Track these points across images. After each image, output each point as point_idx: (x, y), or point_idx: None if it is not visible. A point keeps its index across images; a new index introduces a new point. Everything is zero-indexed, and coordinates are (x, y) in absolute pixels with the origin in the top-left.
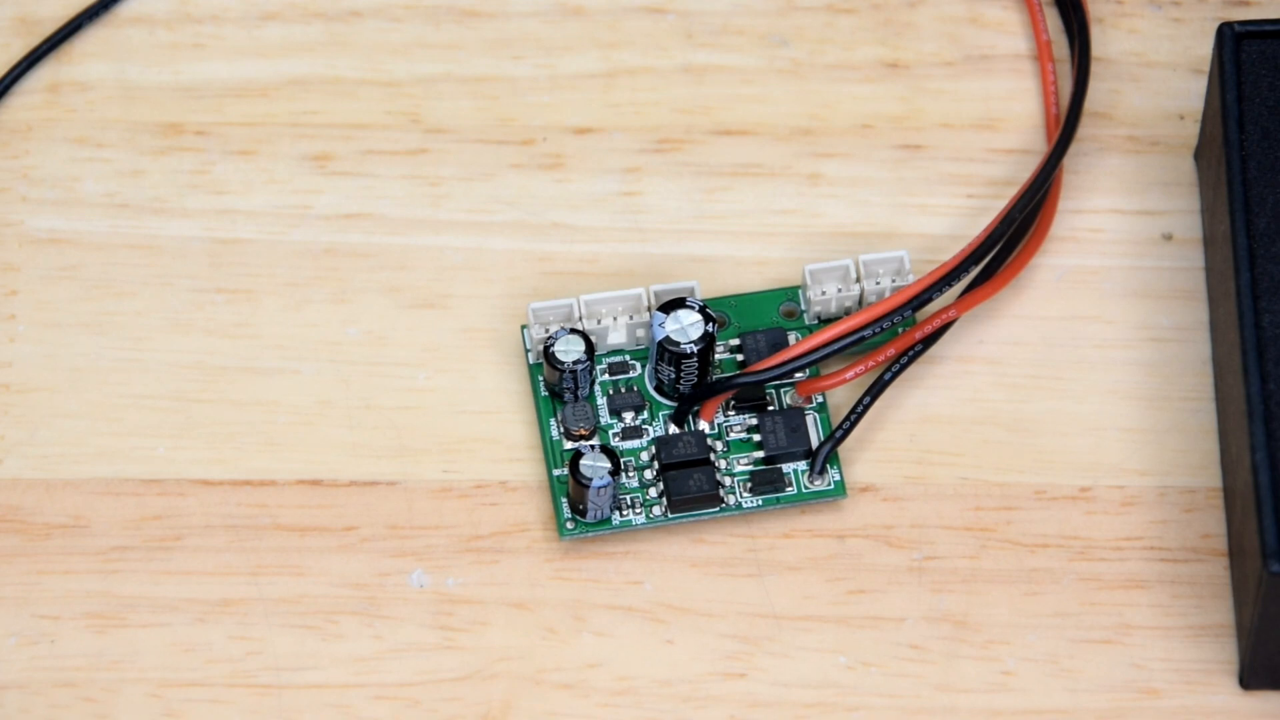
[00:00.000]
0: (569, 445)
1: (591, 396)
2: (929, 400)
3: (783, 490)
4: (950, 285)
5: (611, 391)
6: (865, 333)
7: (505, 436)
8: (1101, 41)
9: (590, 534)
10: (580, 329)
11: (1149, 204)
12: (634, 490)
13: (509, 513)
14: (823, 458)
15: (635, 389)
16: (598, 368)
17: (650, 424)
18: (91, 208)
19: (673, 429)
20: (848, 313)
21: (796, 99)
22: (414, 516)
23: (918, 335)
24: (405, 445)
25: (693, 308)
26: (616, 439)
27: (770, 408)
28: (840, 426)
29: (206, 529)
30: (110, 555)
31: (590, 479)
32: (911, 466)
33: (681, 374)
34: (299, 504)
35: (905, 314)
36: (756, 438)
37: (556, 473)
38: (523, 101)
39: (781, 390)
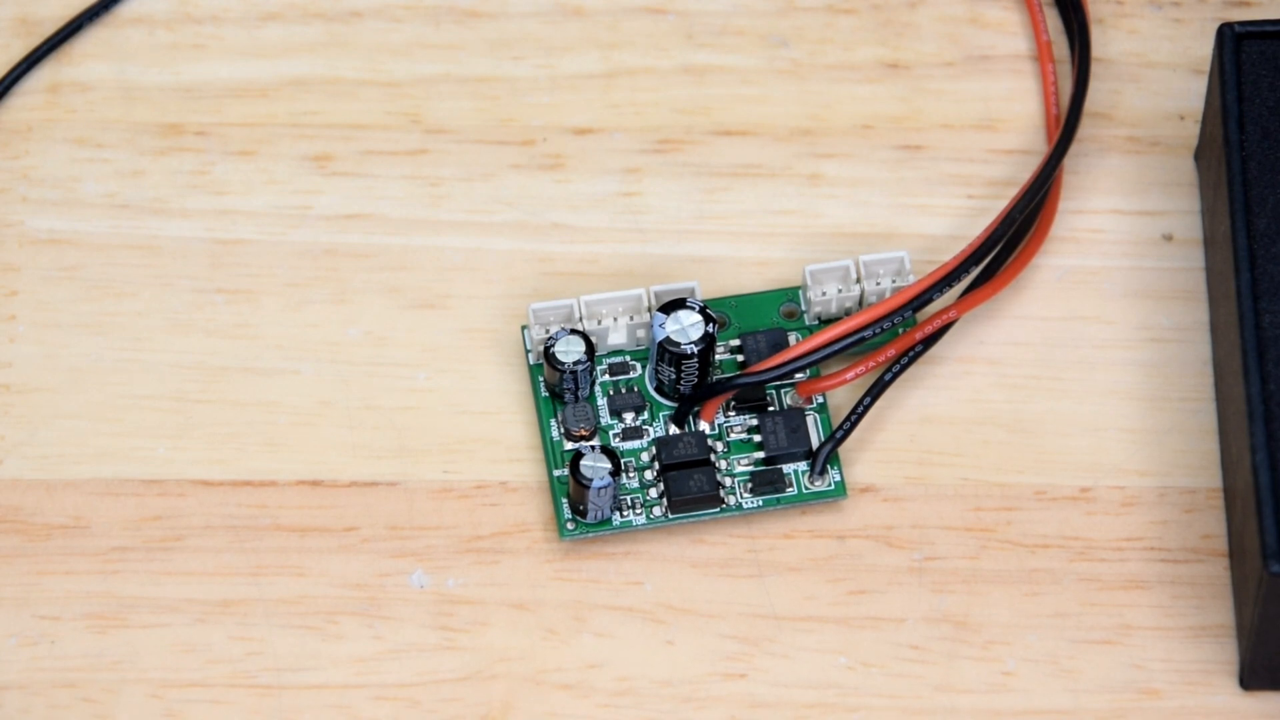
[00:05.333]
0: (569, 446)
1: (592, 397)
2: (929, 401)
3: (783, 491)
4: (950, 286)
5: (612, 392)
6: (865, 333)
7: (505, 437)
8: (1101, 42)
9: (590, 534)
10: (580, 329)
11: (1149, 204)
12: (634, 491)
13: (509, 513)
14: (823, 458)
15: (635, 389)
16: (598, 368)
17: (650, 424)
18: (91, 208)
19: (673, 429)
20: (848, 313)
21: (796, 99)
22: (414, 517)
23: (918, 336)
24: (405, 446)
25: (693, 308)
26: (617, 439)
27: (771, 408)
28: (840, 427)
29: (207, 529)
30: (110, 556)
31: (591, 479)
32: (912, 467)
33: (682, 374)
34: (299, 504)
35: (905, 315)
36: (757, 438)
37: (557, 473)
38: (523, 101)
39: (782, 391)
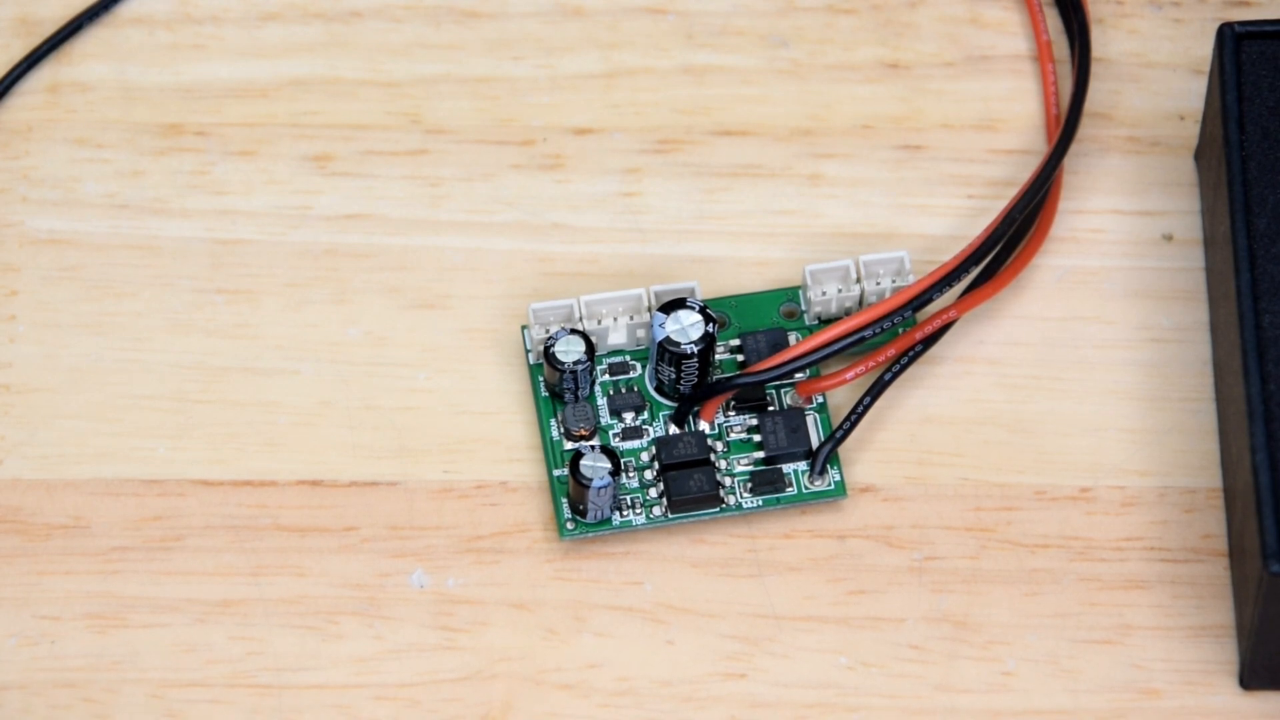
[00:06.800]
0: (569, 445)
1: (592, 397)
2: (929, 401)
3: (783, 491)
4: (950, 286)
5: (612, 392)
6: (865, 333)
7: (505, 437)
8: (1101, 42)
9: (590, 534)
10: (580, 329)
11: (1149, 204)
12: (634, 491)
13: (509, 513)
14: (823, 458)
15: (635, 389)
16: (598, 368)
17: (650, 424)
18: (92, 208)
19: (673, 429)
20: (848, 313)
21: (796, 99)
22: (414, 517)
23: (918, 336)
24: (405, 445)
25: (693, 308)
26: (617, 439)
27: (770, 408)
28: (840, 427)
29: (207, 529)
30: (111, 556)
31: (590, 479)
32: (912, 467)
33: (682, 374)
34: (299, 504)
35: (905, 314)
36: (757, 438)
37: (557, 473)
38: (523, 101)
39: (782, 391)
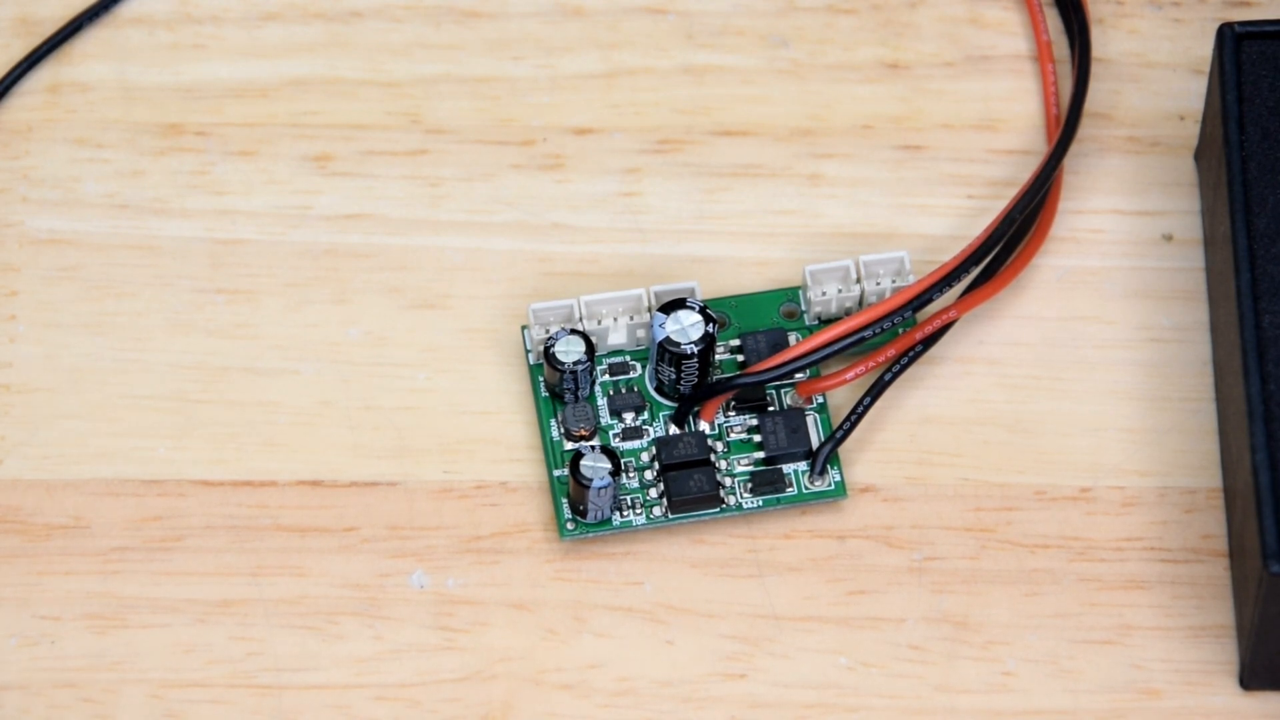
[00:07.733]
0: (569, 446)
1: (592, 397)
2: (929, 401)
3: (783, 491)
4: (951, 286)
5: (612, 392)
6: (866, 333)
7: (505, 437)
8: (1101, 42)
9: (590, 534)
10: (581, 329)
11: (1149, 204)
12: (634, 491)
13: (509, 513)
14: (823, 458)
15: (635, 389)
16: (598, 368)
17: (650, 424)
18: (92, 208)
19: (673, 429)
20: (848, 313)
21: (796, 99)
22: (414, 517)
23: (918, 336)
24: (406, 446)
25: (693, 308)
26: (617, 439)
27: (770, 408)
28: (840, 427)
29: (207, 529)
30: (110, 556)
31: (591, 480)
32: (912, 467)
33: (682, 374)
34: (299, 504)
35: (905, 315)
36: (757, 438)
37: (557, 473)
38: (523, 101)
39: (782, 391)
